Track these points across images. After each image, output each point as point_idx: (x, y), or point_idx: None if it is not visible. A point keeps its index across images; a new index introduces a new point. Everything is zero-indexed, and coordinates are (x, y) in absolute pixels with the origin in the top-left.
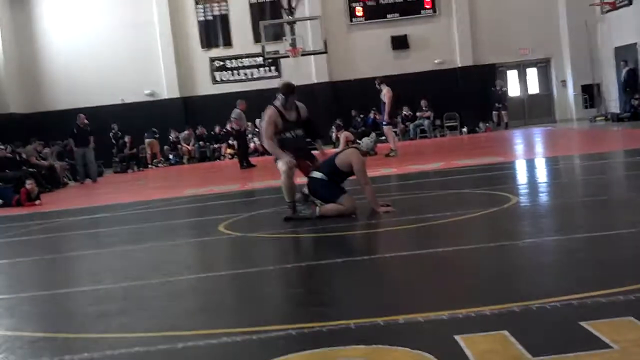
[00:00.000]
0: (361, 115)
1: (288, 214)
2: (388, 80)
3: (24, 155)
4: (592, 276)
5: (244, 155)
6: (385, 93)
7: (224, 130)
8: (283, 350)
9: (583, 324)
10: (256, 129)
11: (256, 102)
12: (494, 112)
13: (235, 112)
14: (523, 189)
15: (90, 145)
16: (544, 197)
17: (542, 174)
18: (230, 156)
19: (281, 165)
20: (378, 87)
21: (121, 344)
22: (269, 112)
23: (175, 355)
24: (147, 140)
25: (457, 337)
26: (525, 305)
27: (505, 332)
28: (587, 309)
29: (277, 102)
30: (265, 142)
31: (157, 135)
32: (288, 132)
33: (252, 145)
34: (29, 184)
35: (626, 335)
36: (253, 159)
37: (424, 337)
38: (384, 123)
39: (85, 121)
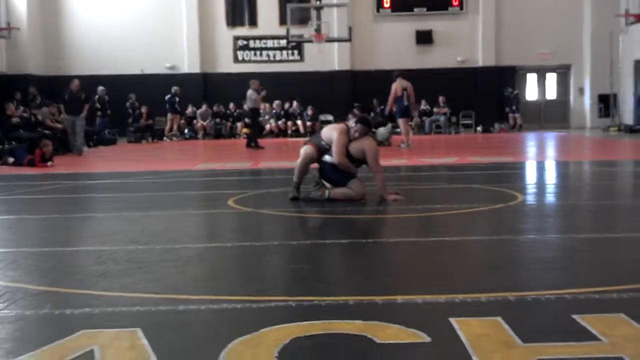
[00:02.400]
0: (381, 107)
1: (293, 194)
2: (406, 74)
3: (39, 117)
4: (588, 274)
5: (254, 135)
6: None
7: (238, 110)
8: (281, 319)
9: (575, 316)
10: (273, 110)
11: (275, 84)
12: (509, 115)
13: (252, 92)
14: (530, 189)
15: (82, 114)
16: (550, 198)
17: (550, 176)
18: (245, 135)
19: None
20: (394, 79)
21: (122, 302)
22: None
23: (175, 316)
24: (169, 114)
25: (452, 320)
26: (520, 295)
27: (499, 319)
28: (580, 303)
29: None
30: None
31: (176, 101)
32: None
33: (268, 126)
34: (46, 145)
35: (616, 330)
36: (268, 141)
37: (419, 317)
38: (398, 115)
39: (91, 88)
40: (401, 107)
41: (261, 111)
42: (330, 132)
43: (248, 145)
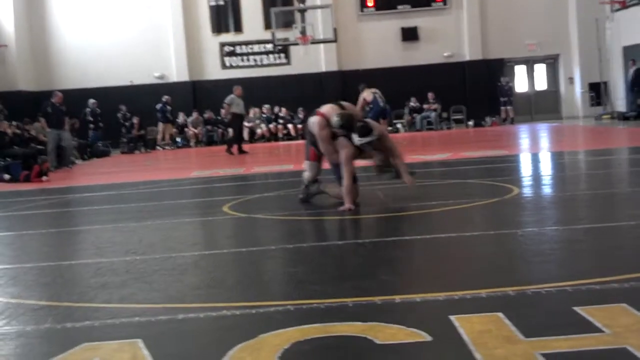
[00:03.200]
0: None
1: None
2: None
3: (32, 132)
4: (588, 265)
5: (230, 141)
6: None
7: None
8: (280, 324)
9: (576, 309)
10: (263, 114)
11: (263, 88)
12: (501, 108)
13: (229, 98)
14: (526, 181)
15: (65, 127)
16: (545, 189)
17: (545, 167)
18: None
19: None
20: (361, 91)
21: (122, 313)
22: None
23: (175, 326)
24: (160, 124)
25: (452, 317)
26: (520, 290)
27: (500, 314)
28: (581, 295)
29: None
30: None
31: (168, 109)
32: None
33: (258, 130)
34: (45, 162)
35: (618, 321)
36: (259, 145)
37: (419, 316)
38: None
39: (82, 101)
40: (378, 109)
41: (252, 116)
42: (313, 127)
43: (240, 151)
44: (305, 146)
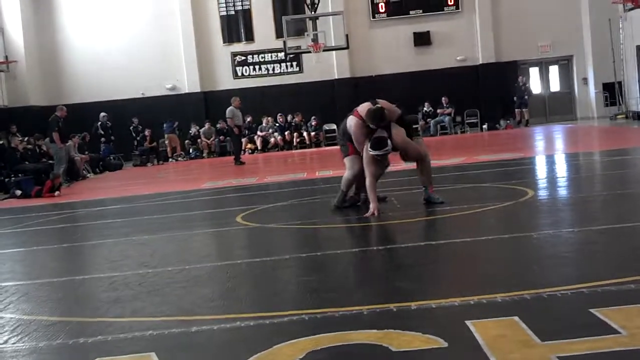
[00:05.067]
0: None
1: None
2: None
3: (43, 147)
4: (604, 266)
5: (237, 153)
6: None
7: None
8: (295, 334)
9: (593, 310)
10: (276, 124)
11: (276, 97)
12: (516, 110)
13: (229, 111)
14: (541, 184)
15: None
16: (561, 191)
17: (560, 169)
18: (250, 151)
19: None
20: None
21: (135, 327)
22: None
23: (188, 338)
24: (166, 135)
25: (468, 322)
26: (536, 293)
27: (516, 318)
28: (598, 296)
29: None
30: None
31: (175, 126)
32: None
33: (272, 139)
34: (57, 177)
35: (635, 322)
36: (274, 154)
37: (435, 322)
38: None
39: (93, 115)
40: None
41: (265, 125)
42: (350, 128)
43: (236, 162)
44: (340, 148)
